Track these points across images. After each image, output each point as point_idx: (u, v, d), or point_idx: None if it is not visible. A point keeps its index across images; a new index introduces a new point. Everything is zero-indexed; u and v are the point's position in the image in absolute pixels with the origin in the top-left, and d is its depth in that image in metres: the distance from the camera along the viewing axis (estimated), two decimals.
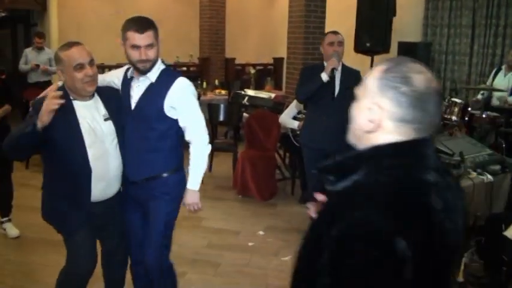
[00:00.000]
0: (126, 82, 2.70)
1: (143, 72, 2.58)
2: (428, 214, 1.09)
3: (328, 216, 1.15)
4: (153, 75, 2.60)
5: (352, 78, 4.06)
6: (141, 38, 2.46)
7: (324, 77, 3.94)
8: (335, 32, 4.10)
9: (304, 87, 4.16)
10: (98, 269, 3.84)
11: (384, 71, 1.19)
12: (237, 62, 10.56)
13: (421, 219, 1.08)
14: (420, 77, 1.17)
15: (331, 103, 4.04)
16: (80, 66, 2.35)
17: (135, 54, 2.48)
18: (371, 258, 1.02)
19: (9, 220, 4.42)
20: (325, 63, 4.01)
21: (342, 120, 4.18)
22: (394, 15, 6.92)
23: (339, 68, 4.05)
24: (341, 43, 4.03)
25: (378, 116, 1.18)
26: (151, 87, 2.61)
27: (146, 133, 2.63)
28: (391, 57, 5.52)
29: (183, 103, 2.61)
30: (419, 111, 1.16)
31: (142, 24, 2.50)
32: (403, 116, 1.16)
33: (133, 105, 2.63)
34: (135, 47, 2.47)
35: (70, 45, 2.40)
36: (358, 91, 1.27)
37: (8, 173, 4.35)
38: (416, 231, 1.05)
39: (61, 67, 2.39)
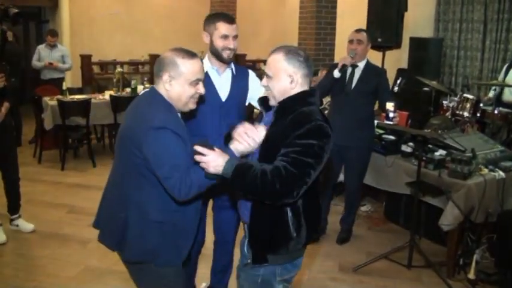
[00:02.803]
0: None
1: (227, 61, 2.82)
2: (330, 126, 2.03)
3: (283, 132, 1.96)
4: (233, 66, 2.90)
5: (374, 76, 4.07)
6: (231, 28, 2.74)
7: (336, 73, 3.98)
8: (357, 30, 4.12)
9: (320, 82, 4.25)
10: (107, 264, 3.88)
11: (286, 54, 2.03)
12: (248, 58, 10.56)
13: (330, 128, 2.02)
14: (301, 51, 2.07)
15: (345, 100, 4.07)
16: (197, 83, 2.16)
17: (223, 43, 2.74)
18: (321, 144, 1.93)
19: (20, 216, 4.47)
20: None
21: (356, 117, 4.27)
22: (406, 10, 6.88)
23: (361, 66, 4.07)
24: (360, 41, 4.01)
25: (295, 77, 2.03)
26: (234, 77, 2.90)
27: (235, 121, 2.82)
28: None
29: (256, 90, 2.95)
30: (309, 68, 2.06)
31: (230, 16, 2.78)
32: (305, 72, 2.05)
33: (223, 97, 2.85)
34: (225, 36, 2.73)
35: (192, 55, 2.16)
36: (269, 72, 2.07)
37: (12, 174, 4.34)
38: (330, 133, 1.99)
39: (173, 73, 2.12)
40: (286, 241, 2.03)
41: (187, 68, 2.11)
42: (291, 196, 1.90)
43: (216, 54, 2.80)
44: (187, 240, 2.24)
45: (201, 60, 2.83)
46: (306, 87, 2.08)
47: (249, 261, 2.15)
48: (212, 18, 2.79)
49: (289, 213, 2.02)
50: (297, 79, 2.03)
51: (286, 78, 2.03)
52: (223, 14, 2.84)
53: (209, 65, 2.85)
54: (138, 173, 2.10)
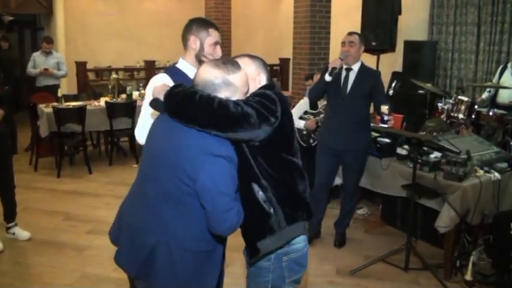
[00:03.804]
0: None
1: None
2: (286, 105, 2.06)
3: None
4: None
5: (369, 78, 4.08)
6: (219, 36, 2.76)
7: (327, 77, 3.98)
8: (350, 33, 4.11)
9: (312, 87, 4.25)
10: (104, 271, 3.87)
11: (251, 59, 2.18)
12: None
13: (284, 106, 2.02)
14: (258, 56, 2.21)
15: (342, 103, 4.07)
16: (247, 91, 2.07)
17: (213, 50, 2.70)
18: (269, 104, 1.94)
19: (16, 224, 4.45)
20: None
21: (353, 121, 4.26)
22: (400, 14, 6.91)
23: (355, 69, 4.07)
24: (352, 43, 4.01)
25: (259, 79, 2.16)
26: None
27: None
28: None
29: None
30: (267, 71, 2.21)
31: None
32: (267, 75, 2.20)
33: None
34: (216, 43, 2.71)
35: (238, 65, 2.00)
36: None
37: (8, 182, 4.33)
38: (282, 108, 1.99)
39: (229, 93, 1.95)
40: (265, 218, 2.03)
41: (239, 81, 1.97)
42: (228, 122, 1.85)
43: (201, 60, 2.72)
44: (215, 268, 2.10)
45: (175, 66, 2.76)
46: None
47: (247, 258, 2.16)
48: (204, 24, 2.75)
49: (259, 192, 2.03)
50: (260, 80, 2.17)
51: (256, 78, 2.16)
52: (210, 20, 2.82)
53: (194, 70, 2.76)
54: (179, 199, 1.92)
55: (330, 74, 3.96)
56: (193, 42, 2.69)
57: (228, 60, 2.00)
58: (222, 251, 2.15)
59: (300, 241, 2.15)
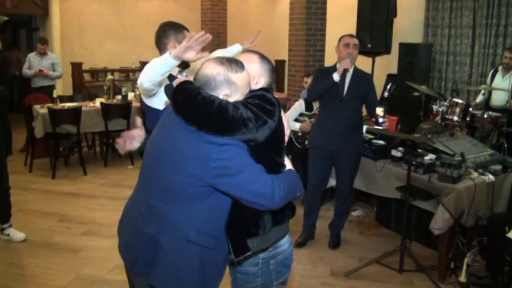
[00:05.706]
0: None
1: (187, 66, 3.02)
2: (280, 108, 2.00)
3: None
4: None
5: (363, 81, 4.10)
6: None
7: (336, 77, 3.96)
8: (351, 35, 4.13)
9: (315, 86, 4.20)
10: (99, 273, 3.86)
11: (260, 58, 2.13)
12: None
13: (279, 109, 1.98)
14: (269, 60, 2.17)
15: (339, 105, 4.07)
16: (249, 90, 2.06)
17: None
18: (268, 107, 1.91)
19: (10, 225, 4.44)
20: (338, 65, 4.03)
21: (349, 122, 4.27)
22: (395, 16, 6.93)
23: (350, 71, 4.08)
24: (356, 46, 4.04)
25: (258, 81, 2.09)
26: None
27: None
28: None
29: None
30: (271, 77, 2.13)
31: None
32: (269, 81, 2.13)
33: None
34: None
35: (242, 66, 1.97)
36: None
37: (2, 183, 4.30)
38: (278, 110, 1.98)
39: (229, 91, 1.92)
40: (256, 214, 1.98)
41: (242, 81, 1.94)
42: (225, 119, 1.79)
43: (183, 60, 2.79)
44: (219, 270, 2.06)
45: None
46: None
47: (232, 257, 2.04)
48: (179, 28, 2.89)
49: None
50: (260, 81, 2.09)
51: (256, 79, 2.08)
52: (180, 23, 2.93)
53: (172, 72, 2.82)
54: (180, 193, 1.89)
55: (340, 75, 3.94)
56: (173, 46, 2.81)
57: (233, 59, 1.97)
58: (227, 254, 2.08)
59: (285, 242, 2.16)
